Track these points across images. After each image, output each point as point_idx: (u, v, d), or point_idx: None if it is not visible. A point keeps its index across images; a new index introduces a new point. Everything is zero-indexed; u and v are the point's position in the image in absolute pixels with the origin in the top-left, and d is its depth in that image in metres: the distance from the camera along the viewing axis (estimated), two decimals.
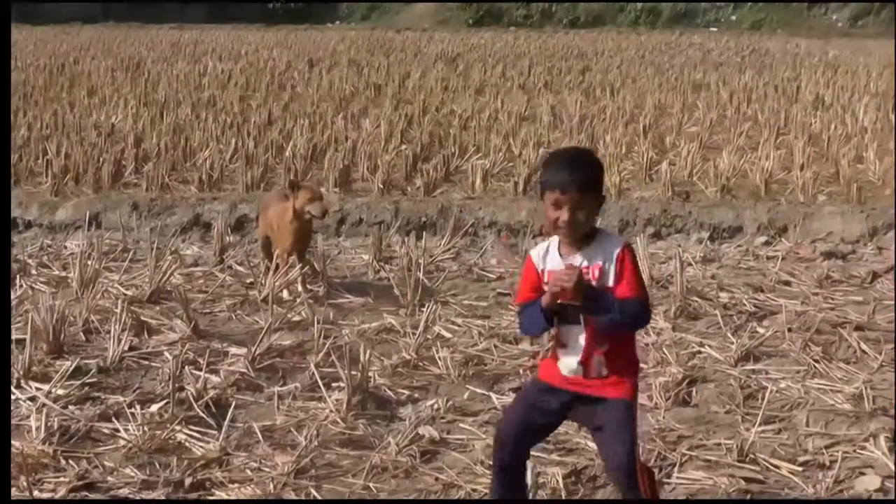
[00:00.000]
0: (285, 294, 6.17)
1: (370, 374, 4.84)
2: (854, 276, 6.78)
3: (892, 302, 6.12)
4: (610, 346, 3.25)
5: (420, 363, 5.18)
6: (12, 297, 5.94)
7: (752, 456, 4.14)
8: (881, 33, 32.54)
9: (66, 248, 7.45)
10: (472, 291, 6.47)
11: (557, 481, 3.93)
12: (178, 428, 4.33)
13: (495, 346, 5.42)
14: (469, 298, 6.30)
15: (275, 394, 4.76)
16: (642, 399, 4.37)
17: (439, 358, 5.17)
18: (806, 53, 25.18)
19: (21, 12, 32.05)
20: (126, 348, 5.21)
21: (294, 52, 24.31)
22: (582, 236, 3.26)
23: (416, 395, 4.83)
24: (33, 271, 6.78)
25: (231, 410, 4.49)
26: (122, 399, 4.65)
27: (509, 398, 4.58)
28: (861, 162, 10.06)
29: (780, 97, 15.23)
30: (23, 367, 4.86)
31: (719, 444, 4.26)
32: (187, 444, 4.24)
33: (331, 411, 4.54)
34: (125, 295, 6.10)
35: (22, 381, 4.78)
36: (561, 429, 4.35)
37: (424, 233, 7.73)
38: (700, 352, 5.36)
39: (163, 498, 3.84)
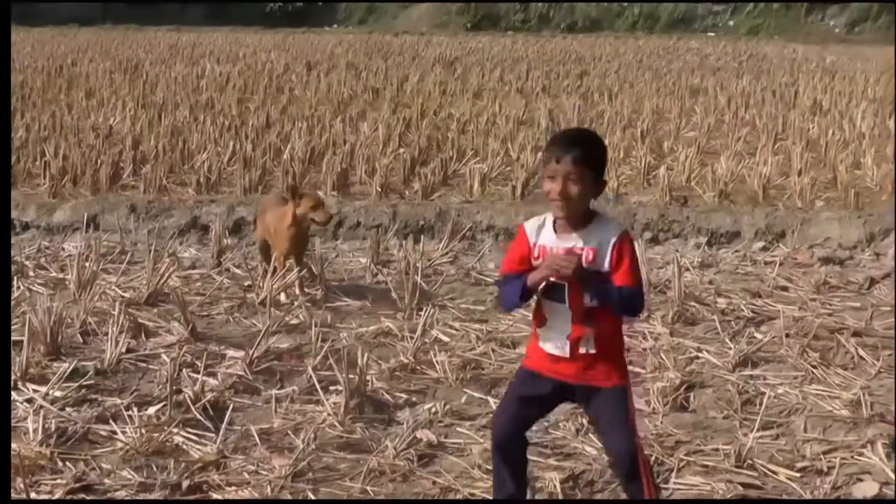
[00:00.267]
0: (283, 297, 6.17)
1: (368, 377, 4.84)
2: (852, 281, 6.79)
3: (889, 308, 6.12)
4: (595, 324, 3.25)
5: (418, 367, 5.18)
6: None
7: (749, 461, 4.13)
8: (878, 39, 32.67)
9: (63, 249, 7.43)
10: (469, 295, 6.47)
11: (555, 486, 3.93)
12: (175, 430, 4.33)
13: (493, 350, 5.42)
14: (467, 302, 6.30)
15: (272, 397, 4.75)
16: (640, 404, 4.37)
17: (437, 362, 5.17)
18: (803, 59, 25.22)
19: (19, 13, 32.03)
20: (123, 350, 5.20)
21: (292, 54, 24.33)
22: (579, 216, 3.24)
23: (413, 399, 4.82)
24: (31, 273, 6.77)
25: (228, 413, 4.48)
26: (119, 401, 4.64)
27: None
28: (859, 168, 10.07)
29: (778, 102, 15.25)
30: (20, 368, 4.85)
31: (717, 450, 4.25)
32: (184, 446, 4.24)
33: (328, 414, 4.53)
34: (123, 297, 6.10)
35: (19, 383, 4.78)
36: (559, 433, 4.37)
37: (422, 236, 7.73)
38: (698, 357, 5.35)
39: (160, 500, 3.83)
